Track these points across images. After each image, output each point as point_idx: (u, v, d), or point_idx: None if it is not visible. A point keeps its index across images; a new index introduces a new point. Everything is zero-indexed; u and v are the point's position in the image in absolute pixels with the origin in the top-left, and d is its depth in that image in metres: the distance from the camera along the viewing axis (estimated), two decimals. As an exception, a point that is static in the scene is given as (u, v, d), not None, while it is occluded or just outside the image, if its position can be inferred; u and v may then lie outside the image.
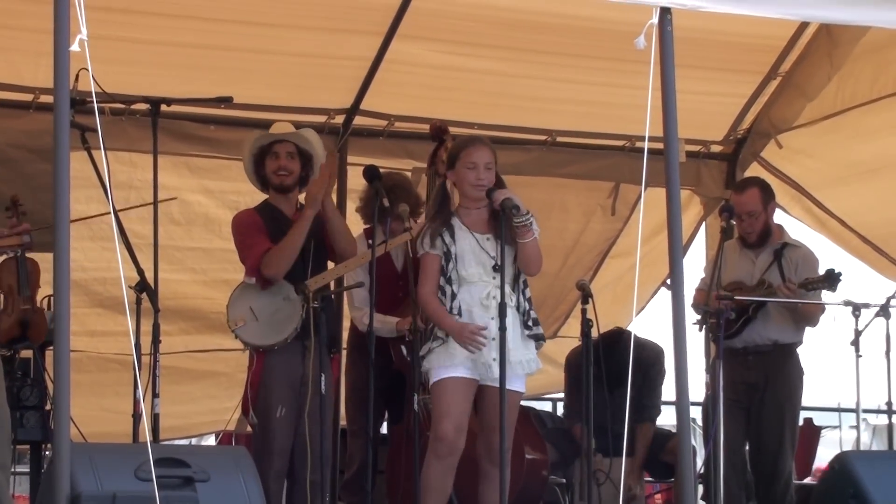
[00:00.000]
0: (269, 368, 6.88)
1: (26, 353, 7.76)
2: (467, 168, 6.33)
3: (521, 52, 8.55)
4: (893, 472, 6.61)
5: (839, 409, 12.27)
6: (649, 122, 5.02)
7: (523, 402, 7.15)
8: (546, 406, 10.96)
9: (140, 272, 6.52)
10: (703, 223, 9.90)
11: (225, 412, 8.41)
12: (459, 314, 6.26)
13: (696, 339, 7.35)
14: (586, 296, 7.21)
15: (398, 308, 7.62)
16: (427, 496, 6.23)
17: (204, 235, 9.01)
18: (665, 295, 9.36)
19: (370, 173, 7.10)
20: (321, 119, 8.72)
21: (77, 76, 5.51)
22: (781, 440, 7.76)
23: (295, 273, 6.91)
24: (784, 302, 7.63)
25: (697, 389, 7.15)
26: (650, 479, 9.17)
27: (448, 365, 6.22)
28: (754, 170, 9.57)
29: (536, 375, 6.69)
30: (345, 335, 8.17)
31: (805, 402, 8.08)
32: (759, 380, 7.78)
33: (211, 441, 9.96)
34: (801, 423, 8.38)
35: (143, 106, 7.27)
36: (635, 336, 8.30)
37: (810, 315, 7.81)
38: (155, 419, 6.57)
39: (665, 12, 5.21)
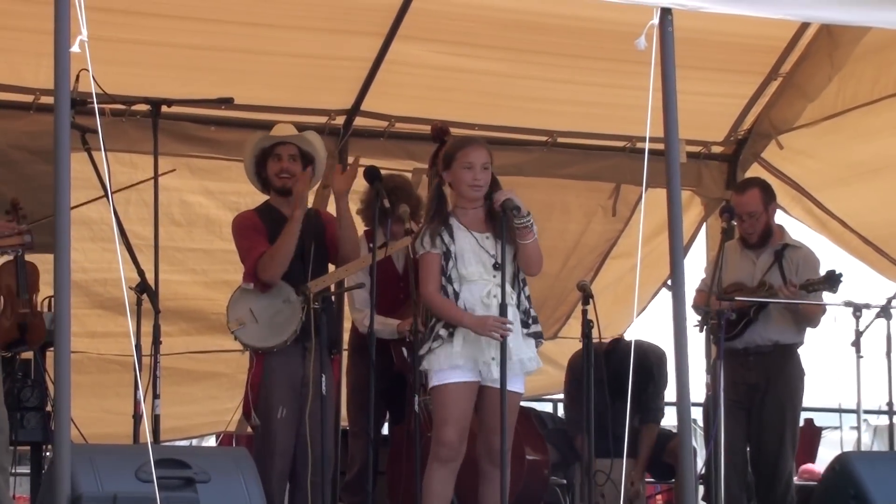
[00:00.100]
0: (270, 370, 6.87)
1: (27, 355, 7.77)
2: (464, 168, 6.31)
3: (521, 53, 8.55)
4: (894, 472, 6.61)
5: (840, 410, 12.30)
6: (650, 122, 5.02)
7: (524, 403, 7.14)
8: (547, 407, 10.96)
9: (141, 273, 6.51)
10: (704, 224, 9.89)
11: (225, 413, 8.42)
12: (462, 313, 6.26)
13: (696, 340, 7.34)
14: (587, 297, 7.22)
15: (399, 310, 7.62)
16: (429, 502, 6.22)
17: (205, 236, 9.01)
18: (666, 296, 9.33)
19: (371, 174, 7.08)
20: (322, 120, 8.72)
21: (77, 77, 5.51)
22: (782, 441, 7.76)
23: (295, 274, 6.89)
24: (785, 303, 7.63)
25: (698, 390, 7.15)
26: (651, 479, 9.16)
27: (448, 368, 6.19)
28: (755, 170, 9.56)
29: (537, 376, 6.69)
30: (345, 336, 8.17)
31: (806, 402, 8.08)
32: (759, 380, 7.78)
33: (211, 442, 9.97)
34: (801, 423, 8.38)
35: (144, 107, 7.27)
36: (637, 340, 8.28)
37: (811, 316, 7.80)
38: (155, 420, 6.55)
39: (666, 13, 5.21)
